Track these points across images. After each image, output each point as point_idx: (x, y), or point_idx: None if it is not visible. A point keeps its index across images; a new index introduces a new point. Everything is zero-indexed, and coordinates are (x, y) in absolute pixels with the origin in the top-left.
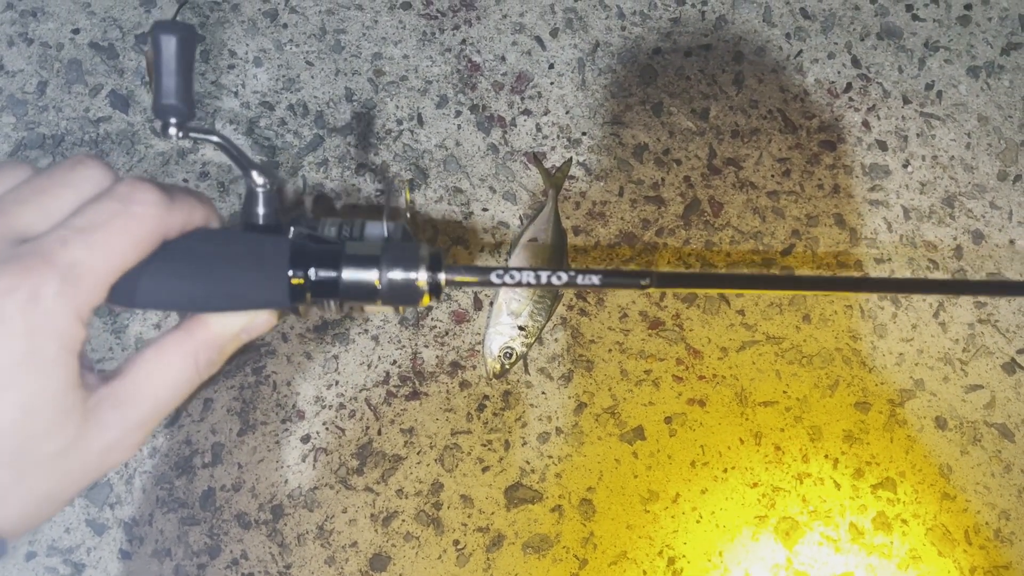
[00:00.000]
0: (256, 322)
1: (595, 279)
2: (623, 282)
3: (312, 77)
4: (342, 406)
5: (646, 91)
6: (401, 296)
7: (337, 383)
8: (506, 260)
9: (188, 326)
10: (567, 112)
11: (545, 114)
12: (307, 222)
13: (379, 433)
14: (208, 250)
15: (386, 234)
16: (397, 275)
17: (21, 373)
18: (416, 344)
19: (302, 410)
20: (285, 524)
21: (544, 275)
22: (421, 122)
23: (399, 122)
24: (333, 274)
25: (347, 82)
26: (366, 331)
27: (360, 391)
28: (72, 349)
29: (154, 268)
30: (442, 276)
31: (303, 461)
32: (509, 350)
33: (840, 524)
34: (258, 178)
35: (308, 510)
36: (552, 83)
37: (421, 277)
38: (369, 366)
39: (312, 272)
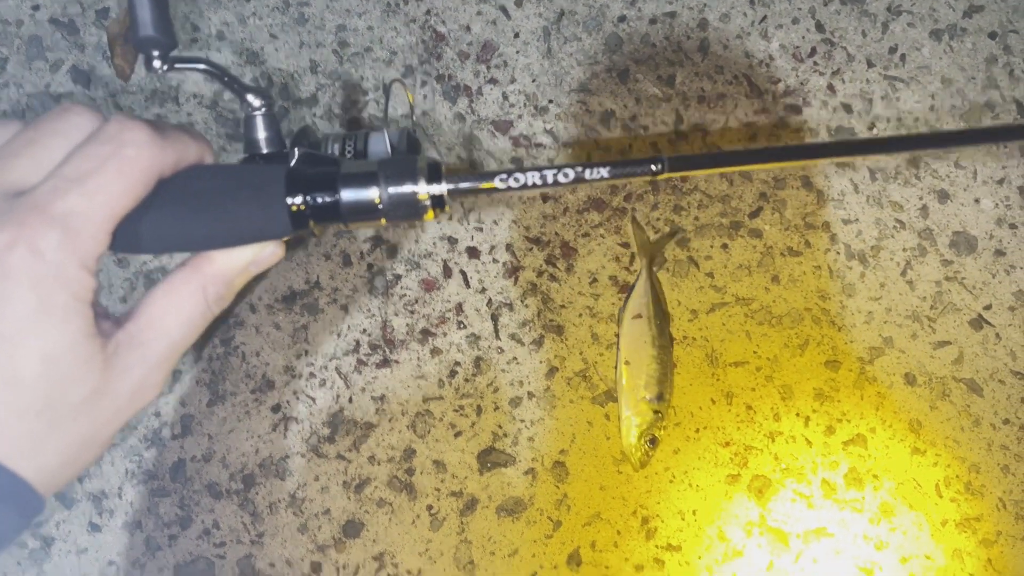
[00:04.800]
0: (263, 254)
1: (604, 172)
2: (634, 171)
3: (276, 50)
4: (312, 375)
5: (612, 58)
6: (404, 211)
7: (307, 352)
8: (615, 336)
9: (195, 263)
10: (533, 80)
11: (511, 82)
12: (310, 141)
13: (350, 401)
14: (204, 187)
15: (389, 145)
16: (397, 190)
17: (36, 325)
18: (386, 312)
19: (272, 380)
20: (256, 493)
21: (550, 173)
22: (387, 93)
23: (364, 93)
24: (332, 197)
25: (311, 54)
26: (335, 300)
27: (330, 360)
28: (83, 298)
29: (153, 210)
30: (443, 187)
31: (274, 430)
32: (652, 437)
33: (812, 480)
34: (254, 100)
35: (280, 479)
36: (518, 52)
37: (421, 190)
38: (339, 335)
39: (311, 198)
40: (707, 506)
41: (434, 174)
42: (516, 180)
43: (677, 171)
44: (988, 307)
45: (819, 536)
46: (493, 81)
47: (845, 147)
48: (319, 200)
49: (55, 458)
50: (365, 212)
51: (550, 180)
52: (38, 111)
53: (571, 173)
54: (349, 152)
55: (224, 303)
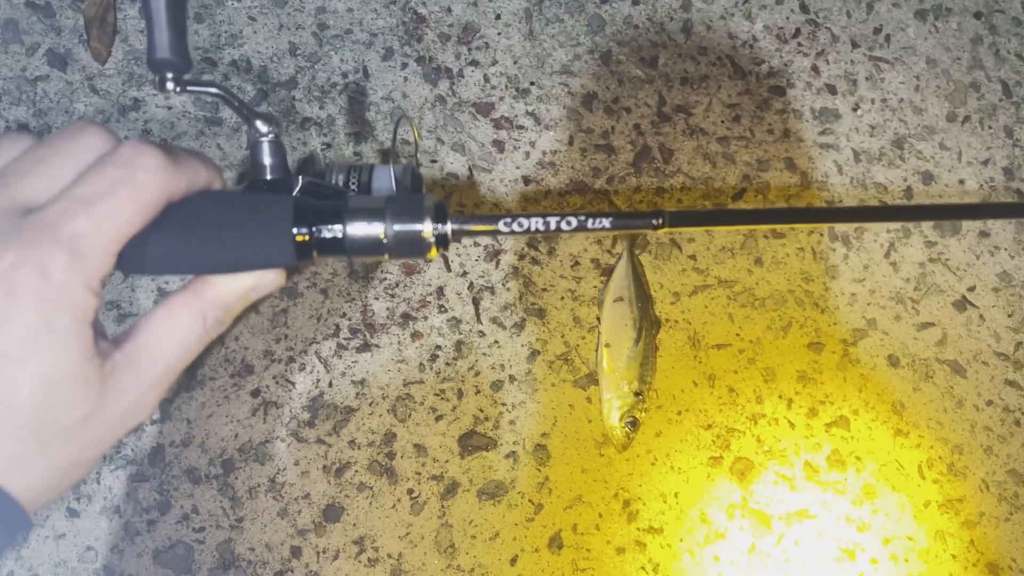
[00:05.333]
0: (264, 281)
1: (606, 222)
2: (635, 223)
3: (255, 32)
4: (292, 360)
5: (594, 40)
6: (408, 249)
7: (286, 337)
8: (596, 319)
9: (195, 287)
10: (515, 62)
11: (493, 64)
12: (315, 169)
13: (330, 385)
14: (212, 214)
15: (394, 180)
16: (402, 228)
17: (37, 346)
18: (366, 297)
19: (251, 364)
20: (236, 478)
21: (553, 220)
22: (367, 75)
23: (344, 75)
24: (338, 231)
25: (291, 36)
26: (314, 284)
27: (310, 344)
28: (85, 319)
29: (159, 234)
30: (448, 227)
31: (253, 415)
32: (633, 419)
33: (795, 463)
34: (262, 127)
35: (259, 463)
36: (499, 33)
37: (427, 229)
38: (319, 319)
39: (316, 230)
40: (689, 488)
41: (440, 214)
42: (520, 225)
43: (677, 226)
44: (972, 288)
45: (801, 518)
46: (474, 63)
47: (852, 213)
48: (325, 233)
49: (43, 478)
50: (369, 247)
51: (552, 227)
52: (14, 95)
53: (574, 221)
54: (353, 183)
55: (222, 328)
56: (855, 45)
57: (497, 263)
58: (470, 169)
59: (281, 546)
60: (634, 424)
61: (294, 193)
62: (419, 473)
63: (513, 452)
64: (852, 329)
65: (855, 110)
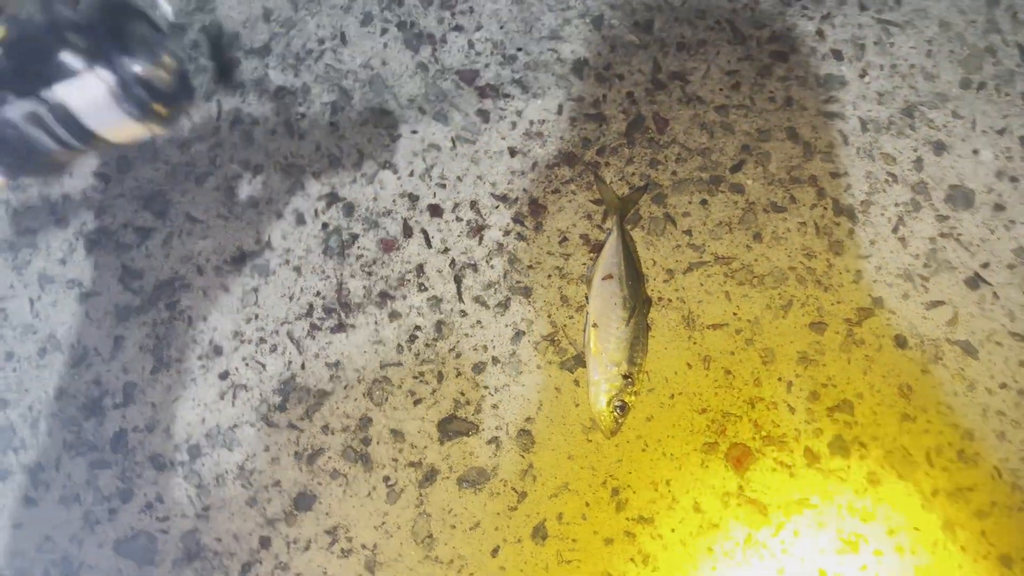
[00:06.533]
0: None
1: None
2: None
3: None
4: (262, 340)
5: (586, 3)
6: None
7: (257, 316)
8: (585, 299)
9: None
10: (501, 27)
11: (478, 30)
12: None
13: (302, 368)
14: None
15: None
16: None
17: None
18: (341, 274)
19: (219, 346)
20: (203, 465)
21: None
22: (344, 41)
23: (320, 41)
24: None
25: (264, 1)
26: (287, 262)
27: (282, 324)
28: None
29: None
30: None
31: (221, 399)
32: (621, 403)
33: (795, 449)
34: None
35: (227, 449)
36: None
37: None
38: (291, 298)
39: None
40: (682, 476)
41: None
42: None
43: None
44: (985, 265)
45: (801, 508)
46: (458, 28)
47: None
48: None
49: None
50: None
51: None
52: None
53: None
54: None
55: None
56: (863, 7)
57: (480, 239)
58: (453, 141)
59: (249, 536)
60: (623, 408)
61: None
62: (396, 460)
63: (496, 438)
64: (857, 308)
65: (862, 76)
